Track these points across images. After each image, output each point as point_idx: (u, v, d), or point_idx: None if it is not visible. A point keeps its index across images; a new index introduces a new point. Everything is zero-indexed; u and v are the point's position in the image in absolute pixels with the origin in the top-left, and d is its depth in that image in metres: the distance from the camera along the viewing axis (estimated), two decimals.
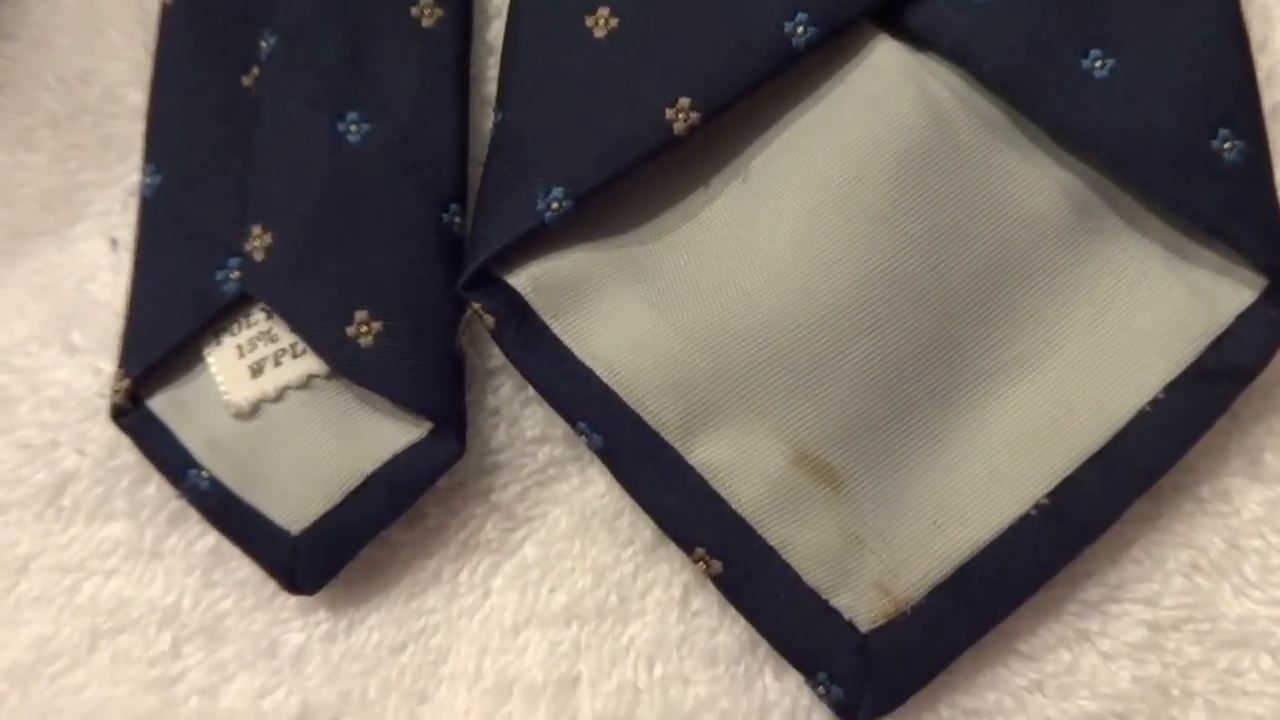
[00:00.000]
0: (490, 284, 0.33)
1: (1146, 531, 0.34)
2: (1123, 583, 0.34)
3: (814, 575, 0.32)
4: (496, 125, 0.34)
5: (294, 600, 0.35)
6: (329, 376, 0.34)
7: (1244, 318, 0.32)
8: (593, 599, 0.35)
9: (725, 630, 0.34)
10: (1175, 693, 0.33)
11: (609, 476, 0.33)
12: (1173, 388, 0.33)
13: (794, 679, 0.33)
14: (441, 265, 0.34)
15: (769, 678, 0.34)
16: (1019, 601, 0.32)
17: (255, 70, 0.36)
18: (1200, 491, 0.34)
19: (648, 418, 0.33)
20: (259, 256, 0.34)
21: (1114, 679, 0.33)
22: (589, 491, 0.35)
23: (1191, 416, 0.32)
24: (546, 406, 0.33)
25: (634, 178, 0.33)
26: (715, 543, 0.33)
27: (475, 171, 0.35)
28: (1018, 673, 0.33)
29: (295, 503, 0.34)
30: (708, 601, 0.34)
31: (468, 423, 0.35)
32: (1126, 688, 0.33)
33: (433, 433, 0.34)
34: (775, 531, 0.32)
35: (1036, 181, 0.34)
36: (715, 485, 0.33)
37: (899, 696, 0.32)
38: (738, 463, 0.33)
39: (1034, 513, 0.32)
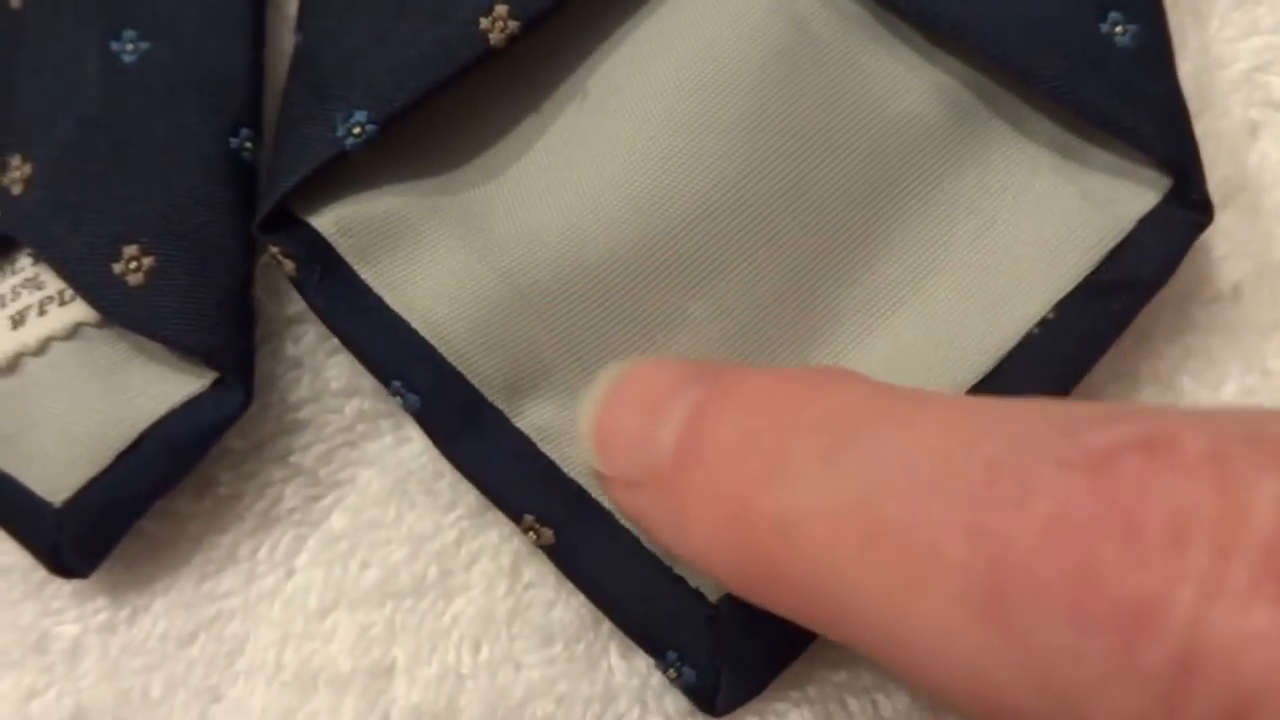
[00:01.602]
0: (291, 225, 0.28)
1: None
2: None
3: None
4: (296, 48, 0.30)
5: (69, 588, 0.30)
6: (100, 324, 0.29)
7: (1146, 223, 0.28)
8: (409, 573, 0.30)
9: (563, 604, 0.30)
10: None
11: None
12: (1064, 306, 0.28)
13: (643, 658, 0.29)
14: (227, 193, 0.29)
15: (614, 657, 0.29)
16: None
17: None
18: None
19: (472, 377, 0.28)
20: (16, 190, 0.29)
21: None
22: (404, 450, 0.31)
23: (1086, 337, 0.28)
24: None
25: (454, 102, 0.29)
26: (546, 509, 0.28)
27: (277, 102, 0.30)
28: None
29: (58, 469, 0.29)
30: (542, 572, 0.30)
31: (267, 377, 0.30)
32: None
33: (216, 383, 0.29)
34: None
35: (908, 83, 0.30)
36: (545, 448, 0.28)
37: (759, 677, 0.28)
38: (569, 424, 0.28)
39: None
